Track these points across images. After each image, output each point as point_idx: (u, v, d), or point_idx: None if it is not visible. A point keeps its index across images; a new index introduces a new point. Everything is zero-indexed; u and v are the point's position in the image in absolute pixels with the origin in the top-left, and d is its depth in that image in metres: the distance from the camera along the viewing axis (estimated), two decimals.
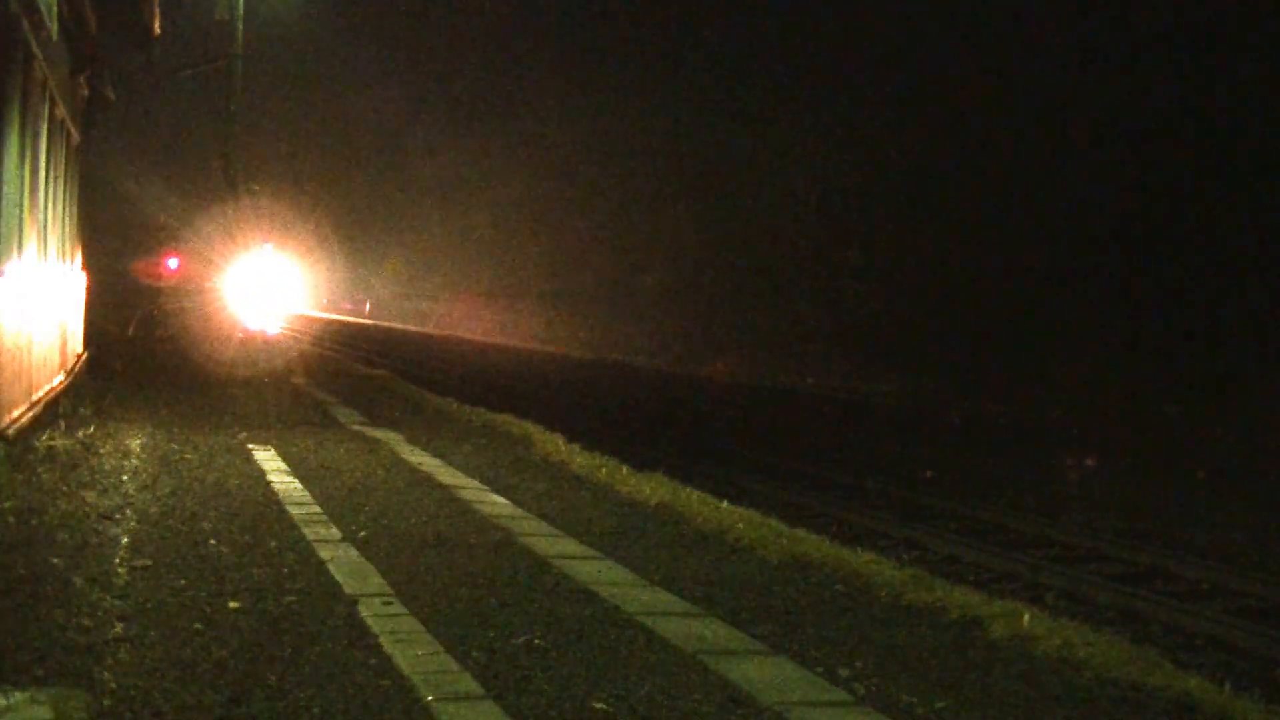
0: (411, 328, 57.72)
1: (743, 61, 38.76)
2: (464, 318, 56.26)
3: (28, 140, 9.85)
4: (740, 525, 8.56)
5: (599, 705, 4.69)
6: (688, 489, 10.39)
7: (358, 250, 53.72)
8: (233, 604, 5.76)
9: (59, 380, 12.54)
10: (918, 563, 8.82)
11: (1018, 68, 29.17)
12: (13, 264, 9.16)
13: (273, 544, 7.09)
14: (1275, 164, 23.71)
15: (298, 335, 39.24)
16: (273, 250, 41.04)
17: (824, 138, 34.45)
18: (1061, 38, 28.41)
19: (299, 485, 9.26)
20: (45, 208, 11.26)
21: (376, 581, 6.39)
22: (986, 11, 30.20)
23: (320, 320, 51.63)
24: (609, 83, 43.80)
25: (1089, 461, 18.06)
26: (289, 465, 10.25)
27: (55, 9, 10.99)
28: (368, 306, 72.76)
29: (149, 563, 6.44)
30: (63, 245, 13.04)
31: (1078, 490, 15.52)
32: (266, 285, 40.58)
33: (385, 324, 60.40)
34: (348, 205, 50.11)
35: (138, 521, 7.46)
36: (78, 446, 10.16)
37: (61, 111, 12.19)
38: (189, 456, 10.34)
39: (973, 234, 30.08)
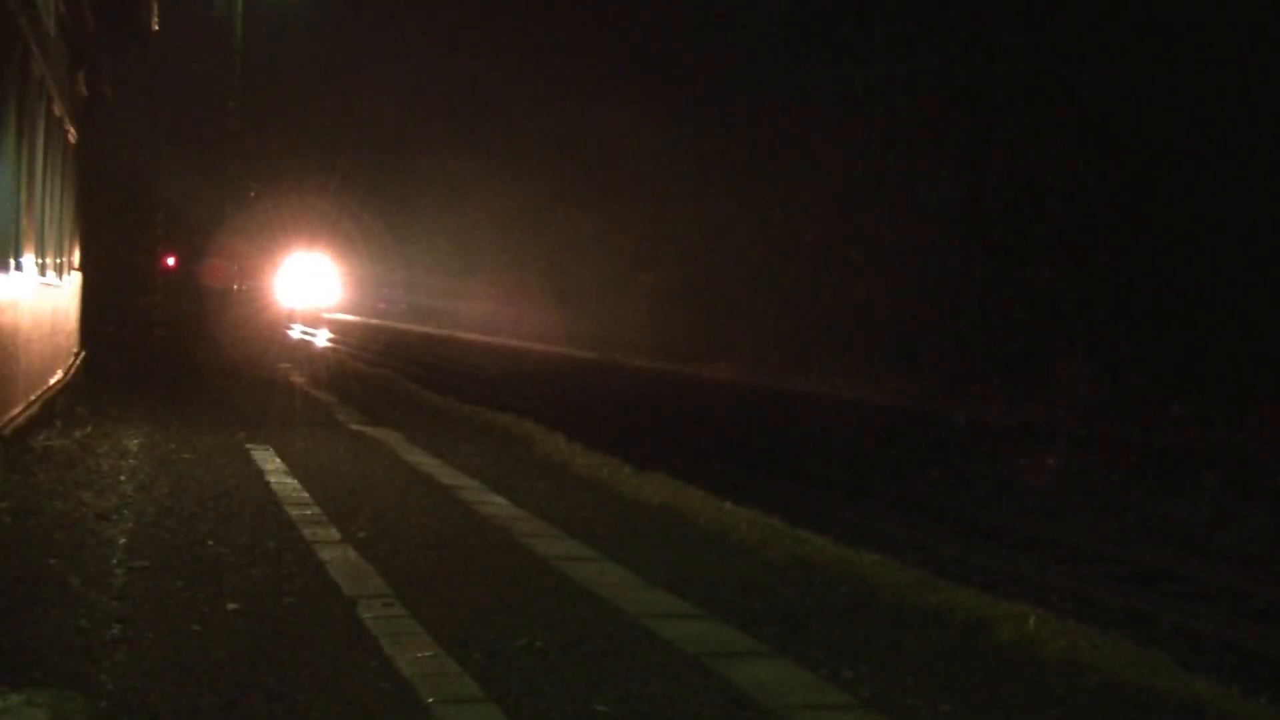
0: (413, 327, 57.73)
1: (745, 60, 38.71)
2: (464, 316, 56.27)
3: (24, 139, 9.79)
4: (743, 526, 8.51)
5: (600, 708, 4.64)
6: (690, 489, 10.33)
7: (366, 249, 53.73)
8: (231, 605, 5.71)
9: (56, 379, 12.49)
10: (922, 564, 8.75)
11: (1014, 60, 29.13)
12: (9, 263, 9.10)
13: (271, 545, 7.04)
14: None
15: (310, 337, 39.47)
16: (307, 251, 41.24)
17: (826, 137, 34.41)
18: (1058, 28, 28.35)
19: (298, 485, 9.21)
20: (42, 206, 11.21)
21: (376, 583, 6.34)
22: (984, 6, 30.15)
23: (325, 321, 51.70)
24: (612, 81, 43.74)
25: (1095, 462, 18.00)
26: (288, 465, 10.20)
27: (52, 6, 10.95)
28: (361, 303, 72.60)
29: (146, 564, 6.39)
30: (60, 244, 12.99)
31: (1084, 491, 15.46)
32: (301, 287, 40.78)
33: (387, 324, 60.40)
34: (354, 204, 50.16)
35: (135, 522, 7.42)
36: (75, 446, 10.12)
37: (59, 109, 12.14)
38: (187, 456, 10.30)
39: (974, 234, 30.04)
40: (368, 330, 50.39)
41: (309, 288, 43.05)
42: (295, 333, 38.70)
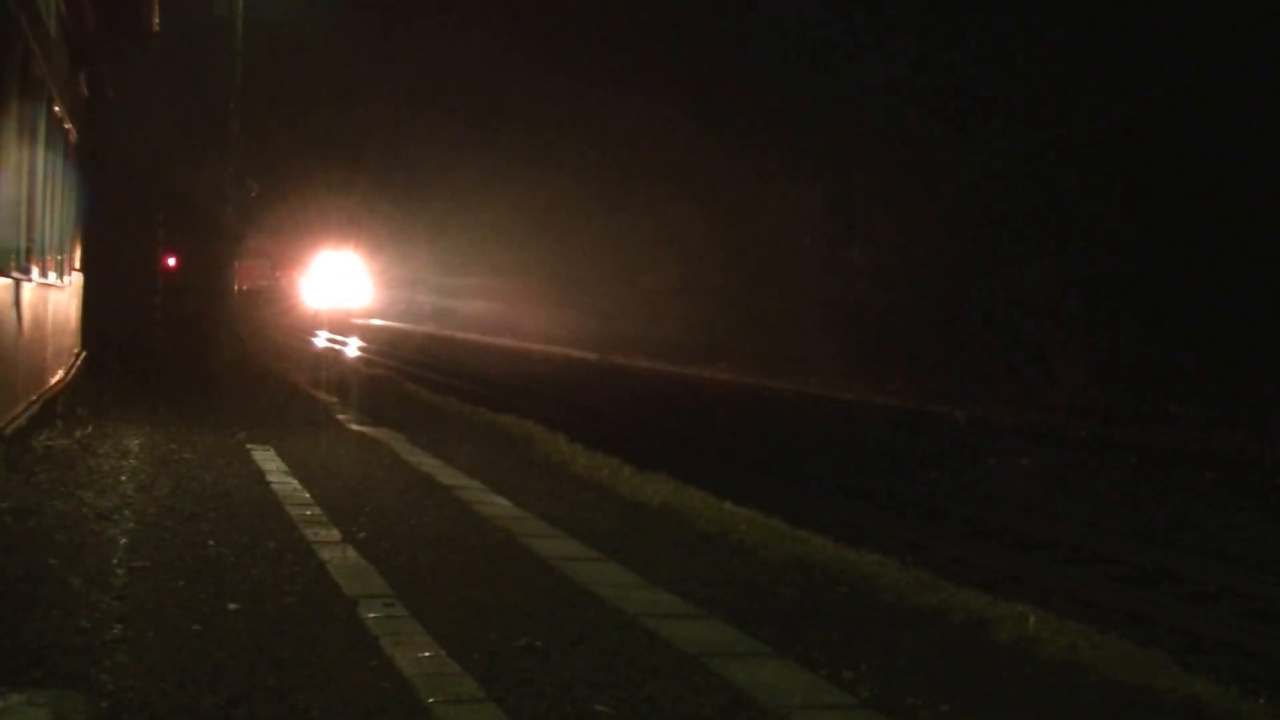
0: (413, 328, 57.76)
1: (746, 62, 38.74)
2: (465, 317, 56.34)
3: (25, 139, 9.79)
4: (743, 526, 8.51)
5: (601, 708, 4.64)
6: (690, 490, 10.34)
7: (394, 249, 53.68)
8: (231, 605, 5.71)
9: (57, 379, 12.49)
10: (922, 564, 8.75)
11: (1017, 64, 29.13)
12: (9, 263, 9.11)
13: (272, 545, 7.05)
14: None
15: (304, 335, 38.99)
16: (334, 250, 40.65)
17: (828, 138, 34.44)
18: (1059, 33, 28.35)
19: (298, 486, 9.22)
20: (43, 206, 11.21)
21: (377, 583, 6.35)
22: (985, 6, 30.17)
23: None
24: (615, 82, 43.73)
25: (1095, 462, 17.99)
26: (288, 465, 10.20)
27: (53, 6, 10.95)
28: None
29: (147, 564, 6.39)
30: (61, 243, 12.99)
31: (1083, 491, 15.46)
32: (328, 288, 39.72)
33: (388, 325, 60.40)
34: (385, 204, 50.31)
35: (136, 522, 7.42)
36: (75, 446, 10.12)
37: (60, 109, 12.14)
38: (187, 456, 10.30)
39: (975, 234, 30.04)
40: (392, 334, 50.13)
41: (337, 289, 41.82)
42: (320, 340, 37.36)
